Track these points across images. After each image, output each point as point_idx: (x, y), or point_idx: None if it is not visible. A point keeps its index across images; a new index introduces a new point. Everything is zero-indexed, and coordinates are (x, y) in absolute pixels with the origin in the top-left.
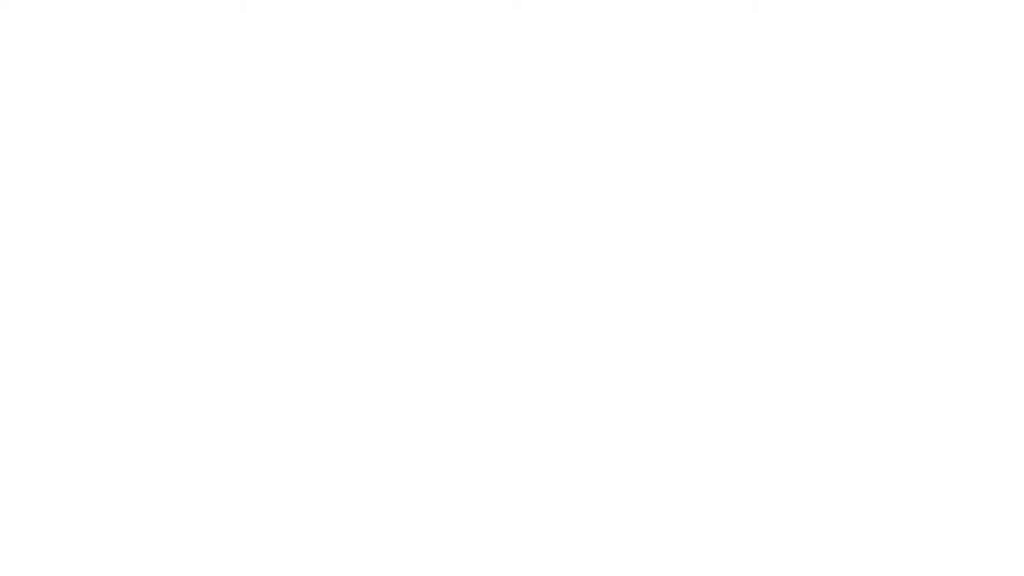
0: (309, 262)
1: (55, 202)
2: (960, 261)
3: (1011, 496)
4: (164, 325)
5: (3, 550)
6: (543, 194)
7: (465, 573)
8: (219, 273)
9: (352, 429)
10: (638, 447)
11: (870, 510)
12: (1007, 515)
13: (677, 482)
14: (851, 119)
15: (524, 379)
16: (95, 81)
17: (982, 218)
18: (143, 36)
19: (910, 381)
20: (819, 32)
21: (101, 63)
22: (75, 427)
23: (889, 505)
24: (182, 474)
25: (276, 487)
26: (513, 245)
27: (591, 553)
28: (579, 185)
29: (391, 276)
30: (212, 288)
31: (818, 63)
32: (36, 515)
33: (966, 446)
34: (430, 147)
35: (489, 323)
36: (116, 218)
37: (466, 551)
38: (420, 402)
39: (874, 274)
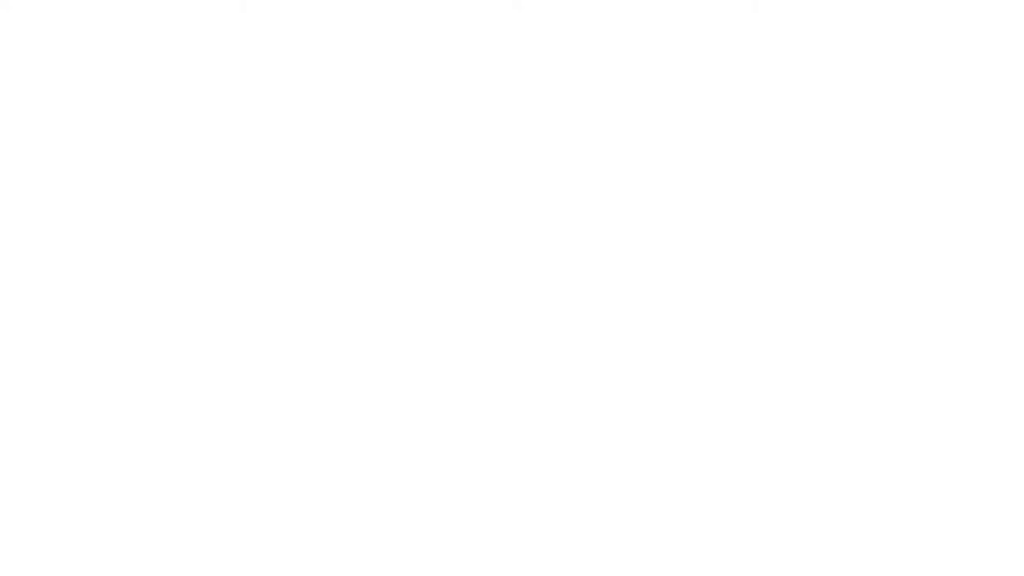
0: (309, 261)
1: (55, 202)
2: (960, 261)
3: (1011, 496)
4: (164, 325)
5: (3, 550)
6: (543, 194)
7: (465, 573)
8: (219, 272)
9: (352, 429)
10: (638, 447)
11: (870, 510)
12: (1007, 515)
13: (677, 482)
14: (851, 119)
15: (524, 379)
16: (95, 81)
17: (982, 218)
18: (143, 36)
19: (910, 381)
20: (819, 32)
21: (101, 63)
22: (75, 427)
23: (889, 505)
24: (182, 474)
25: (276, 487)
26: (513, 245)
27: (591, 553)
28: (579, 185)
29: (391, 275)
30: (212, 287)
31: (818, 63)
32: (36, 515)
33: (966, 446)
34: (430, 147)
35: (489, 323)
36: (116, 218)
37: (466, 551)
38: (420, 402)
39: (874, 274)
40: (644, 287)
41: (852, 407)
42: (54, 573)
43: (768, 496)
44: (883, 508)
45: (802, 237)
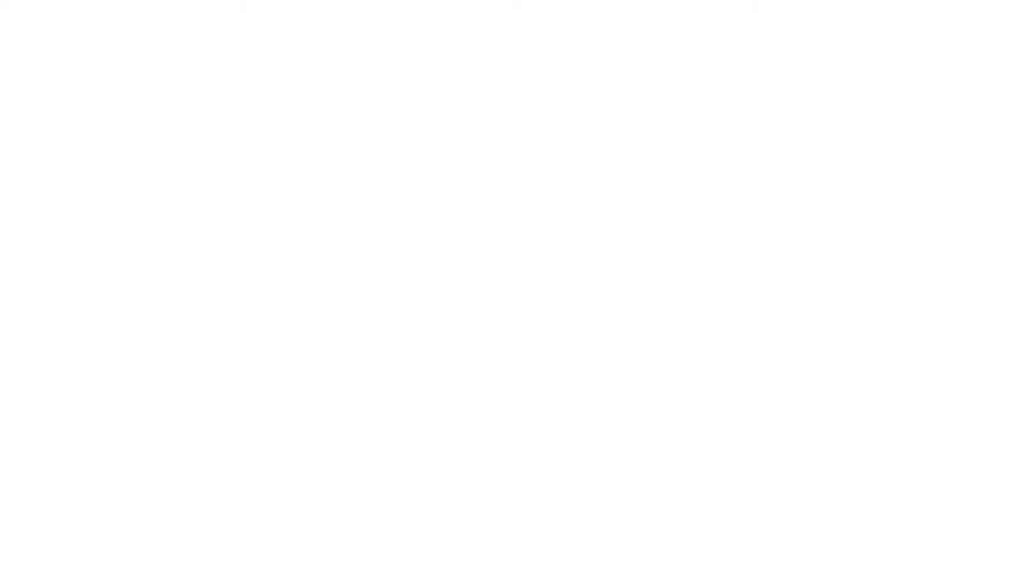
0: (309, 261)
1: (55, 202)
2: (960, 261)
3: (1011, 496)
4: (164, 324)
5: (3, 550)
6: (543, 193)
7: (465, 573)
8: (219, 272)
9: (352, 429)
10: (638, 447)
11: (870, 510)
12: (1007, 515)
13: (677, 482)
14: (851, 119)
15: (524, 379)
16: (95, 81)
17: (982, 218)
18: (143, 36)
19: (910, 381)
20: (819, 32)
21: (101, 63)
22: (75, 427)
23: (889, 505)
24: (182, 474)
25: (276, 487)
26: (513, 244)
27: (591, 553)
28: (579, 185)
29: (391, 275)
30: (212, 287)
31: (818, 63)
32: (36, 515)
33: (966, 446)
34: (430, 147)
35: (489, 322)
36: (116, 217)
37: (466, 551)
38: (420, 402)
39: (874, 274)
40: (644, 287)
41: (852, 407)
42: (54, 573)
43: (768, 496)
44: (883, 508)
45: (802, 237)
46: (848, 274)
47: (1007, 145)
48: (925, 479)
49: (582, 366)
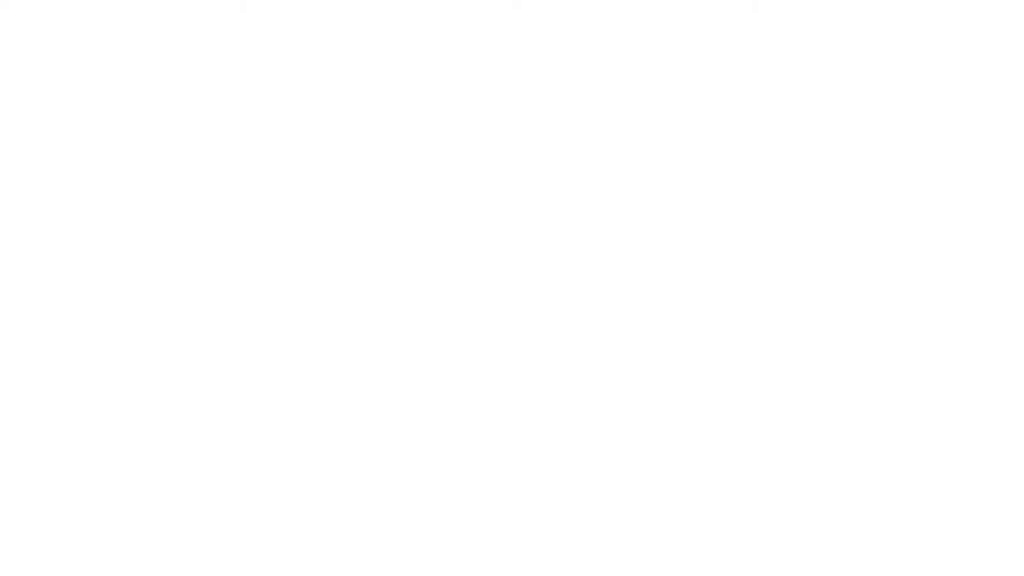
0: (309, 261)
1: (55, 202)
2: (960, 261)
3: (1011, 496)
4: (164, 324)
5: (3, 550)
6: (543, 193)
7: (465, 573)
8: (219, 272)
9: (352, 429)
10: (638, 447)
11: (870, 510)
12: (1007, 515)
13: (677, 482)
14: (851, 119)
15: (524, 379)
16: (95, 81)
17: (982, 218)
18: (143, 36)
19: (910, 381)
20: (819, 32)
21: (101, 63)
22: (75, 427)
23: (889, 505)
24: (182, 474)
25: (276, 487)
26: (513, 244)
27: (591, 553)
28: (579, 185)
29: (391, 275)
30: (212, 287)
31: (818, 63)
32: (36, 515)
33: (966, 446)
34: (430, 147)
35: (489, 323)
36: (116, 217)
37: (466, 551)
38: (420, 402)
39: (874, 274)
40: (644, 287)
41: (852, 407)
42: (54, 573)
43: (768, 496)
44: (883, 508)
45: (802, 237)
46: (848, 274)
47: (1007, 145)
48: (925, 479)
49: (582, 366)
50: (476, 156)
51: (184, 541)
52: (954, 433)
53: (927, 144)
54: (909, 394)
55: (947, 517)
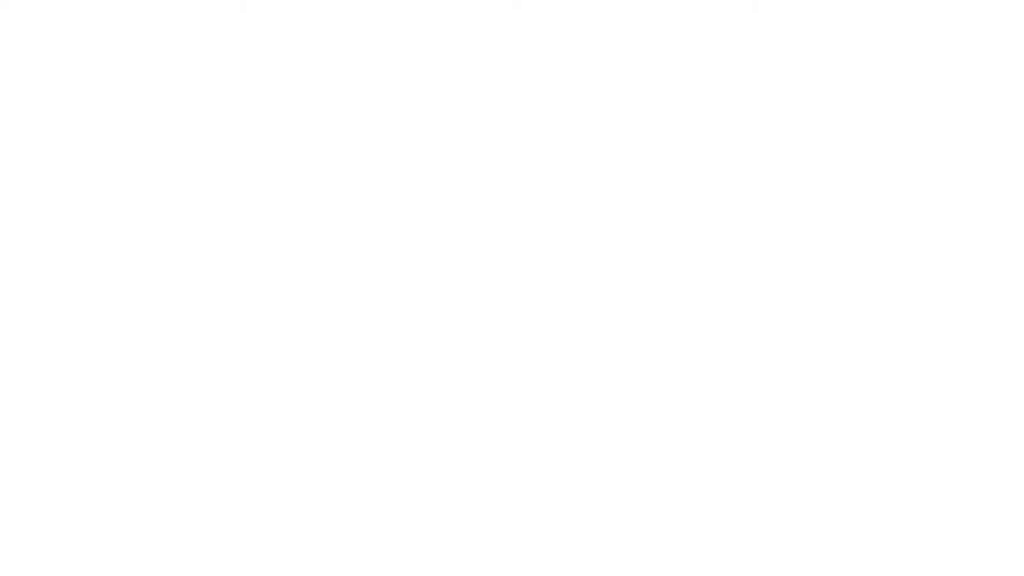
0: (309, 261)
1: (55, 202)
2: (960, 261)
3: (1011, 496)
4: (164, 325)
5: (3, 550)
6: (543, 194)
7: (465, 573)
8: (219, 272)
9: (352, 429)
10: (638, 447)
11: (870, 510)
12: (1007, 515)
13: (677, 482)
14: (851, 119)
15: (524, 379)
16: (95, 81)
17: (982, 218)
18: (143, 36)
19: (910, 381)
20: (819, 32)
21: (101, 63)
22: (75, 427)
23: (889, 505)
24: (182, 474)
25: (276, 487)
26: (513, 244)
27: (591, 553)
28: (579, 185)
29: (391, 275)
30: (212, 287)
31: (818, 63)
32: (36, 515)
33: (966, 446)
34: (430, 147)
35: (489, 323)
36: (116, 217)
37: (466, 551)
38: (420, 402)
39: (874, 274)
40: (644, 287)
41: (852, 407)
42: (54, 573)
43: (768, 496)
44: (883, 508)
45: (802, 237)
46: (848, 274)
47: (1007, 145)
48: (925, 479)
49: (582, 366)
50: (476, 156)
51: (184, 541)
52: (954, 433)
53: (927, 144)
54: (909, 394)
55: (947, 517)
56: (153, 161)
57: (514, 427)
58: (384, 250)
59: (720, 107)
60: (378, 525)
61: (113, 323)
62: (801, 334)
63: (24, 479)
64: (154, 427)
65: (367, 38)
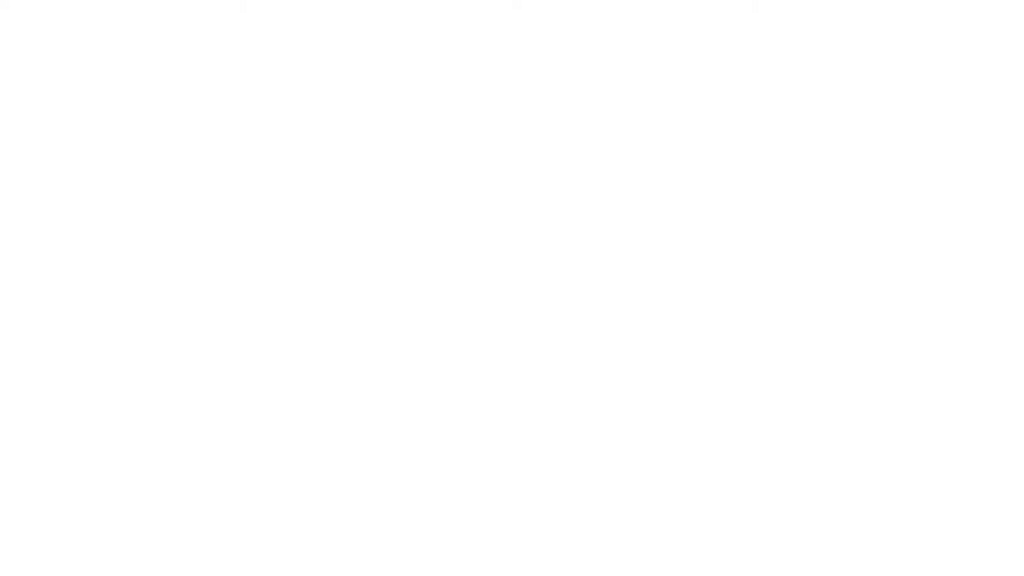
0: (309, 261)
1: (55, 202)
2: (960, 261)
3: (1011, 496)
4: (164, 325)
5: (3, 550)
6: (543, 194)
7: (465, 573)
8: (220, 272)
9: (352, 429)
10: (638, 447)
11: (870, 510)
12: (1007, 515)
13: (677, 482)
14: (851, 119)
15: (524, 379)
16: (95, 81)
17: (982, 218)
18: (143, 36)
19: (910, 381)
20: (819, 32)
21: (101, 63)
22: (75, 427)
23: (889, 505)
24: (182, 474)
25: (276, 487)
26: (513, 245)
27: (591, 553)
28: (579, 185)
29: (391, 275)
30: (212, 287)
31: (818, 63)
32: (36, 515)
33: (966, 446)
34: (430, 147)
35: (489, 323)
36: (116, 217)
37: (466, 551)
38: (420, 402)
39: (874, 274)
40: (644, 287)
41: (852, 407)
42: (54, 573)
43: (768, 496)
44: (883, 508)
45: (802, 237)
46: (848, 273)
47: (1007, 145)
48: (925, 479)
49: (582, 366)
50: (476, 155)
51: (184, 541)
52: (954, 433)
53: (927, 143)
54: (909, 394)
55: (947, 517)
56: (153, 161)
57: (514, 427)
58: (384, 249)
59: (720, 107)
60: (378, 525)
61: (113, 322)
62: (801, 334)
63: (24, 479)
64: (154, 427)
65: (367, 38)
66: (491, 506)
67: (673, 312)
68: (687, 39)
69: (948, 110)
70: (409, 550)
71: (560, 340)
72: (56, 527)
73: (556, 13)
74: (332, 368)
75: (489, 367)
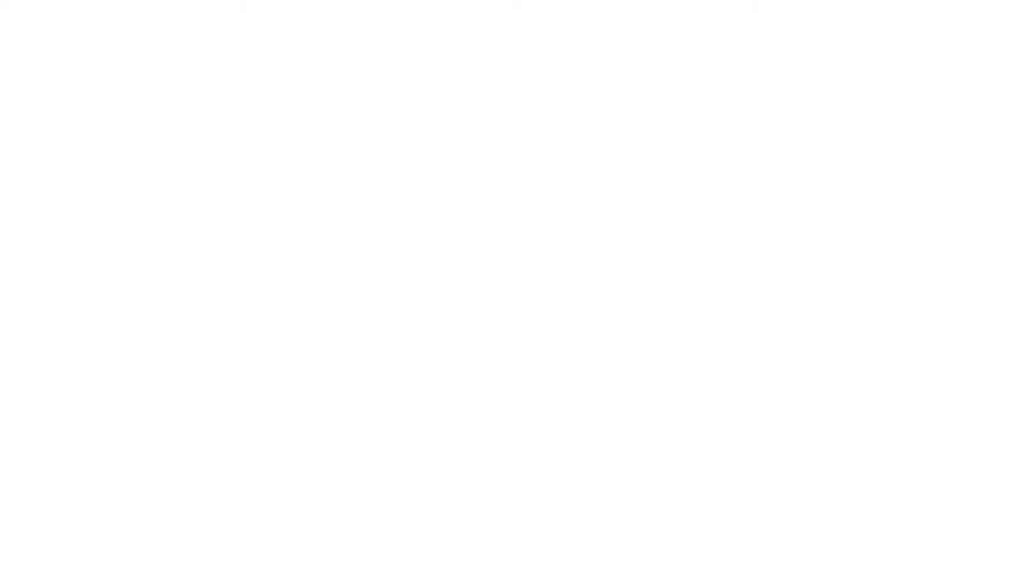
0: (310, 261)
1: (55, 202)
2: (960, 261)
3: (1011, 496)
4: (164, 325)
5: (3, 550)
6: (543, 194)
7: (465, 573)
8: (220, 272)
9: (352, 429)
10: (638, 447)
11: (870, 510)
12: (1007, 515)
13: (677, 482)
14: (851, 119)
15: (524, 379)
16: (95, 81)
17: (982, 218)
18: (143, 36)
19: (910, 381)
20: (819, 32)
21: (101, 63)
22: (75, 427)
23: (889, 505)
24: (182, 474)
25: (276, 487)
26: (513, 245)
27: (591, 553)
28: (579, 185)
29: (391, 275)
30: (212, 287)
31: (818, 63)
32: (36, 515)
33: (966, 446)
34: (430, 147)
35: (489, 323)
36: (116, 217)
37: (466, 551)
38: (420, 402)
39: (874, 274)
40: (644, 287)
41: (852, 407)
42: (54, 573)
43: (768, 496)
44: (883, 508)
45: (802, 237)
46: (848, 273)
47: (1007, 145)
48: (925, 479)
49: (582, 366)
50: (476, 155)
51: (184, 541)
52: (954, 433)
53: (927, 143)
54: (909, 394)
55: (947, 517)
56: (153, 160)
57: (514, 427)
58: (384, 249)
59: (720, 107)
60: (378, 525)
61: (113, 321)
62: (801, 333)
63: (24, 479)
64: (154, 426)
65: (367, 38)
66: (491, 506)
67: (673, 311)
68: (687, 39)
69: (948, 110)
70: (409, 550)
71: (560, 339)
72: (56, 527)
73: (556, 13)
74: (332, 367)
75: (489, 366)
